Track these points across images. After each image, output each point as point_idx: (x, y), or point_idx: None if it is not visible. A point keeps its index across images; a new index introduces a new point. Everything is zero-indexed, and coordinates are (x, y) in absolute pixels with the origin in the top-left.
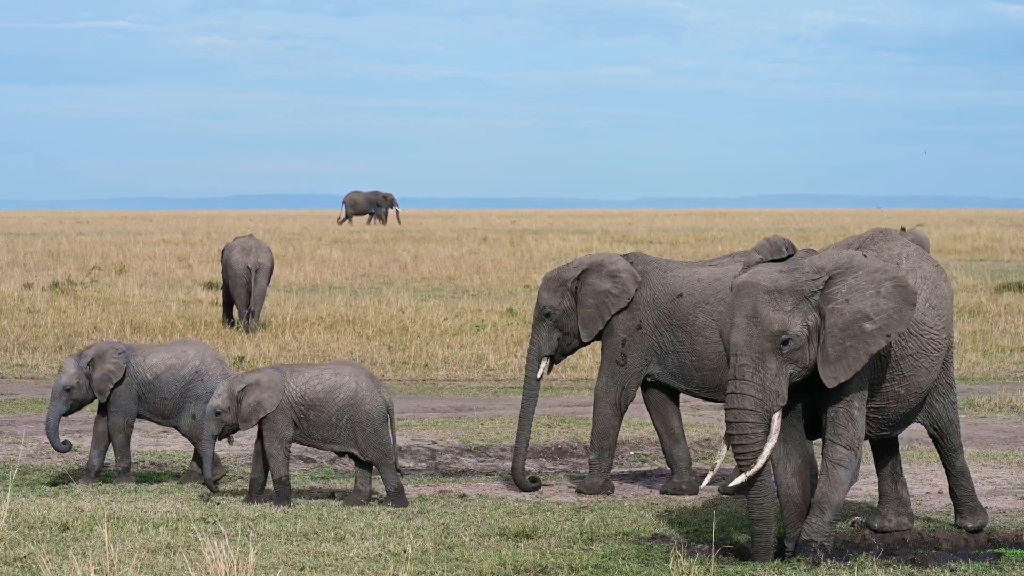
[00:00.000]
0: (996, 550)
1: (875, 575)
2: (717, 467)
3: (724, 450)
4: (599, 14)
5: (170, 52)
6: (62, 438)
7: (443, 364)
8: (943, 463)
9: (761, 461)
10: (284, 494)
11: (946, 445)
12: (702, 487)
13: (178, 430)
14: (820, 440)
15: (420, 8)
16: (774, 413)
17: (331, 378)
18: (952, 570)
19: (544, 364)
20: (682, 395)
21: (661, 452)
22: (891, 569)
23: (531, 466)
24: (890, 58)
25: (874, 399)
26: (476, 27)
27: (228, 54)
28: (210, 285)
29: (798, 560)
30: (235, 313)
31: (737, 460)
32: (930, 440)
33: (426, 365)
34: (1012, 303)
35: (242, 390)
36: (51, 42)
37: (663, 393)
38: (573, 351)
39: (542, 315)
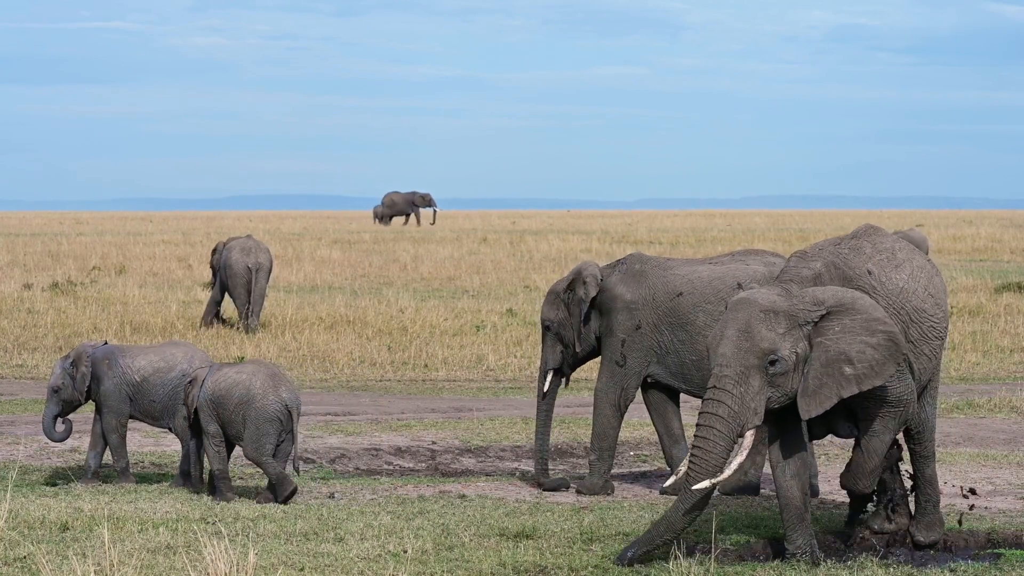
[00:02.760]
0: (996, 550)
1: (875, 575)
2: (682, 473)
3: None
4: (598, 14)
5: (169, 52)
6: (59, 428)
7: (443, 364)
8: (913, 468)
9: (727, 472)
10: (220, 486)
11: (920, 451)
12: (663, 488)
13: (172, 431)
14: (821, 440)
15: (419, 8)
16: (747, 430)
17: (233, 376)
18: (952, 570)
19: (550, 377)
20: (682, 395)
21: (661, 452)
22: (891, 569)
23: (530, 466)
24: (889, 58)
25: None
26: (475, 27)
27: (228, 54)
28: (210, 286)
29: (798, 560)
30: (235, 313)
31: (690, 465)
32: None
33: (426, 366)
34: (1012, 303)
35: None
36: (50, 42)
37: (663, 394)
38: (581, 363)
39: (544, 329)
